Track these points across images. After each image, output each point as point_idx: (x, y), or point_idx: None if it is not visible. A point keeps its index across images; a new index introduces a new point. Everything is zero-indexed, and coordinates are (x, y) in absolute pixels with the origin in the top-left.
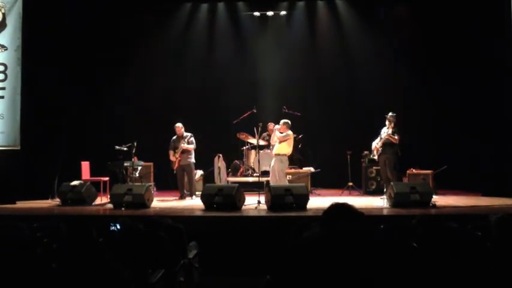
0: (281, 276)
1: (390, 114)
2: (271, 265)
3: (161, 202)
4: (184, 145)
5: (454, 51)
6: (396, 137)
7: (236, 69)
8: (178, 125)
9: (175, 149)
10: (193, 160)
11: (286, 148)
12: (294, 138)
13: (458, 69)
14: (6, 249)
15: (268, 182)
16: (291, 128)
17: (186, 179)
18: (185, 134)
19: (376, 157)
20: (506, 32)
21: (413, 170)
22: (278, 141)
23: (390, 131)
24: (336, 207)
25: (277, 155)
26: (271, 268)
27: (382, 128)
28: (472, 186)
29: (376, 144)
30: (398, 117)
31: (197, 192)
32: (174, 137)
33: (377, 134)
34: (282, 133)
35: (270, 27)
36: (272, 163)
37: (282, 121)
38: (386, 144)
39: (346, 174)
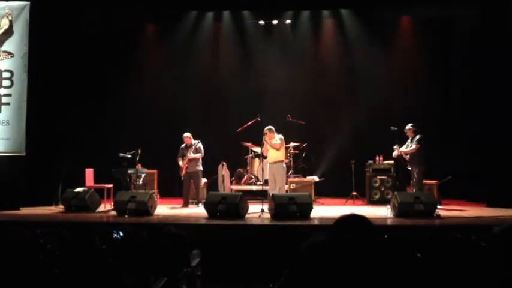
0: (285, 285)
1: (407, 126)
2: (276, 273)
3: (164, 209)
4: (190, 155)
5: (458, 62)
6: (414, 146)
7: (240, 78)
8: (187, 135)
9: (183, 156)
10: (201, 168)
11: (283, 153)
12: (297, 146)
13: (463, 79)
14: (9, 255)
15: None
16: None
17: (192, 186)
18: (193, 141)
19: (408, 167)
20: (510, 38)
21: None
22: (275, 148)
23: (410, 143)
24: (350, 217)
25: (279, 161)
26: (275, 276)
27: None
28: (477, 197)
29: (400, 150)
30: (402, 128)
31: (203, 200)
32: (183, 145)
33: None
34: (273, 140)
35: (275, 35)
36: (273, 171)
37: (267, 129)
38: (411, 156)
39: (350, 184)
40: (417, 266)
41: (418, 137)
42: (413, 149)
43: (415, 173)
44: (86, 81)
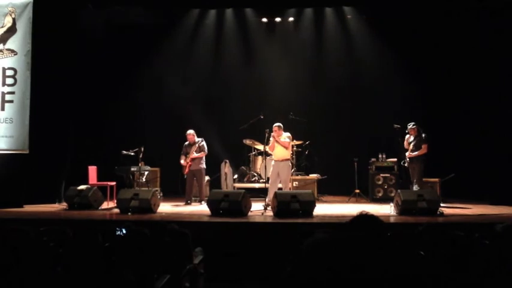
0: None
1: (410, 125)
2: (278, 271)
3: (167, 207)
4: (193, 153)
5: (462, 59)
6: (422, 146)
7: (243, 75)
8: (190, 132)
9: (186, 154)
10: (204, 166)
11: (289, 152)
12: (300, 144)
13: (466, 77)
14: (12, 252)
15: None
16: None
17: (195, 184)
18: (197, 139)
19: (406, 164)
20: None
21: None
22: (284, 146)
23: (413, 141)
24: (363, 217)
25: (286, 159)
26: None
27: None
28: (480, 195)
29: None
30: (404, 126)
31: (206, 198)
32: (186, 143)
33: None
34: (281, 137)
35: (278, 33)
36: (278, 169)
37: (276, 126)
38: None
39: (352, 181)
40: (420, 264)
41: (424, 135)
42: (422, 150)
43: (415, 170)
44: (89, 79)
